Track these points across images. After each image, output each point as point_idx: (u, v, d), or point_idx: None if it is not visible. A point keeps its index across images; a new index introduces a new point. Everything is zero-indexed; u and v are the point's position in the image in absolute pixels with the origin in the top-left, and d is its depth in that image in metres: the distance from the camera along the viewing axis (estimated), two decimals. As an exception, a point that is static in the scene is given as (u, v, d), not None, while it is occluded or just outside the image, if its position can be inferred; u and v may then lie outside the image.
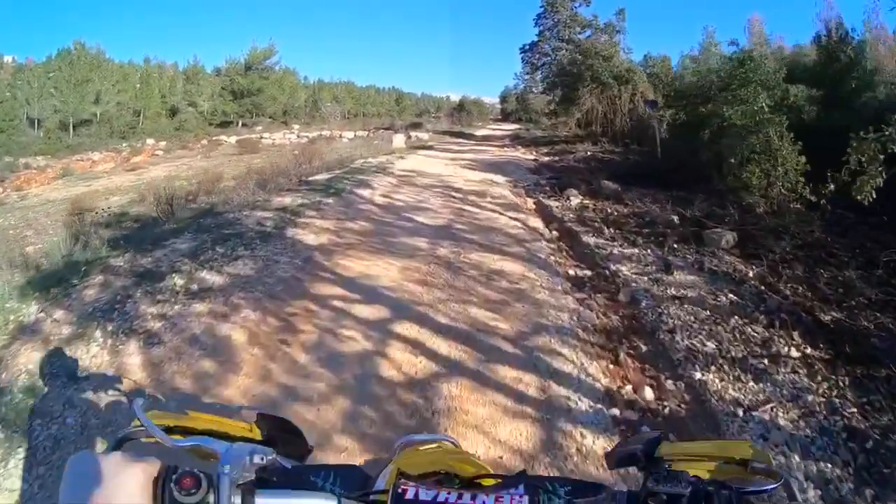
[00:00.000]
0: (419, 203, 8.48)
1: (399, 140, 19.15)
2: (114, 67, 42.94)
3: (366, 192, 9.04)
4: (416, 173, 11.86)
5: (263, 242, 5.85)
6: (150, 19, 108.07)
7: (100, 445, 2.51)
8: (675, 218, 7.64)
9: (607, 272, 5.78)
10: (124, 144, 37.39)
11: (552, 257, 6.11)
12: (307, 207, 7.53)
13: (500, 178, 11.84)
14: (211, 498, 0.56)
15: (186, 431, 0.74)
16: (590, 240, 6.92)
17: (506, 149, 20.53)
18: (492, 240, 6.46)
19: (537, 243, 6.63)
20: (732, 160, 9.36)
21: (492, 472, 0.86)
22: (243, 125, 44.06)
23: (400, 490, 0.61)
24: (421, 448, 1.11)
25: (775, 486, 0.69)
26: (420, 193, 9.38)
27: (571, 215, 8.30)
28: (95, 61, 41.10)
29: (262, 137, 35.76)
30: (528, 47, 28.74)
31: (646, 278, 5.54)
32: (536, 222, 7.89)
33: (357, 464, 1.27)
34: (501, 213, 8.06)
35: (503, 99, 59.22)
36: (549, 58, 27.49)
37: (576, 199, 9.36)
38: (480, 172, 12.72)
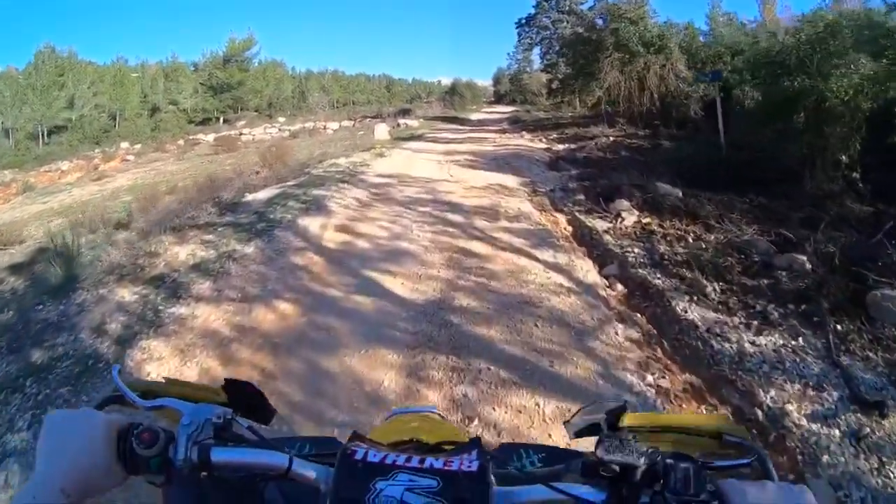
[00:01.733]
0: (396, 241, 5.30)
1: (382, 131, 15.80)
2: (88, 69, 39.59)
3: (314, 225, 5.84)
4: (397, 180, 8.67)
5: (62, 400, 2.74)
6: (129, 19, 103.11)
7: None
8: (805, 260, 4.55)
9: (759, 412, 2.78)
10: (97, 150, 34.21)
11: (648, 377, 3.00)
12: (202, 272, 4.33)
13: (511, 181, 8.63)
14: (170, 452, 0.57)
15: (159, 395, 0.70)
16: (690, 311, 3.83)
17: (507, 135, 17.22)
18: (528, 337, 3.27)
19: (608, 331, 3.49)
20: (844, 157, 6.34)
21: (461, 440, 0.84)
22: (225, 121, 40.67)
23: (349, 451, 0.58)
24: (401, 419, 1.11)
25: (748, 461, 0.64)
26: (399, 218, 6.20)
27: (637, 250, 5.14)
28: (68, 64, 37.80)
29: (241, 134, 32.41)
30: (524, 21, 25.18)
31: (837, 433, 2.58)
32: (586, 268, 4.73)
33: (334, 436, 1.00)
34: (529, 255, 4.88)
35: (496, 81, 55.50)
36: (548, 31, 23.88)
37: (630, 216, 6.20)
38: (484, 172, 9.51)
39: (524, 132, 17.38)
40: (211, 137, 32.74)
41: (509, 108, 35.12)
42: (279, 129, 31.42)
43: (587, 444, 0.69)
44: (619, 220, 6.19)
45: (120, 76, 40.92)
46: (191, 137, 34.31)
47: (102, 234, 7.02)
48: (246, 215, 6.22)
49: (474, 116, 29.43)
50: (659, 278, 4.48)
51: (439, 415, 1.25)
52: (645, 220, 6.13)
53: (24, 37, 74.53)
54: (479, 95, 48.91)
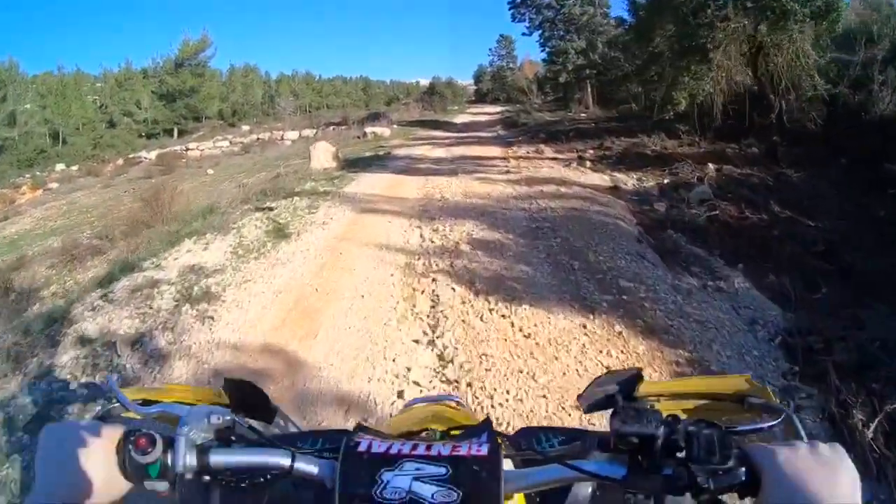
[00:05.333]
0: None
1: (322, 154, 8.90)
2: (36, 81, 32.11)
3: None
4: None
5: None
6: (91, 25, 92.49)
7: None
8: None
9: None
10: (27, 176, 26.91)
11: None
12: None
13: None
14: (169, 457, 0.50)
15: (158, 401, 0.65)
16: None
17: (516, 150, 10.56)
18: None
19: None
20: None
21: (472, 423, 0.74)
22: (182, 133, 33.45)
23: (352, 443, 0.52)
24: (418, 408, 0.98)
25: (774, 423, 0.54)
26: None
27: None
28: (8, 76, 30.14)
29: (187, 149, 25.38)
30: (518, 1, 18.30)
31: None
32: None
33: (345, 428, 0.72)
34: None
35: (477, 79, 48.64)
36: (551, 12, 17.00)
37: None
38: (534, 312, 3.01)
39: (541, 145, 10.76)
40: (154, 154, 25.71)
41: (497, 108, 28.42)
42: (230, 143, 24.42)
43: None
44: None
45: (62, 87, 33.21)
46: (132, 156, 27.18)
47: None
48: None
49: (459, 119, 22.67)
50: None
51: (456, 401, 1.03)
52: None
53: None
54: (460, 95, 41.97)
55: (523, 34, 17.69)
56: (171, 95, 32.29)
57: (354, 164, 9.26)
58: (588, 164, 7.94)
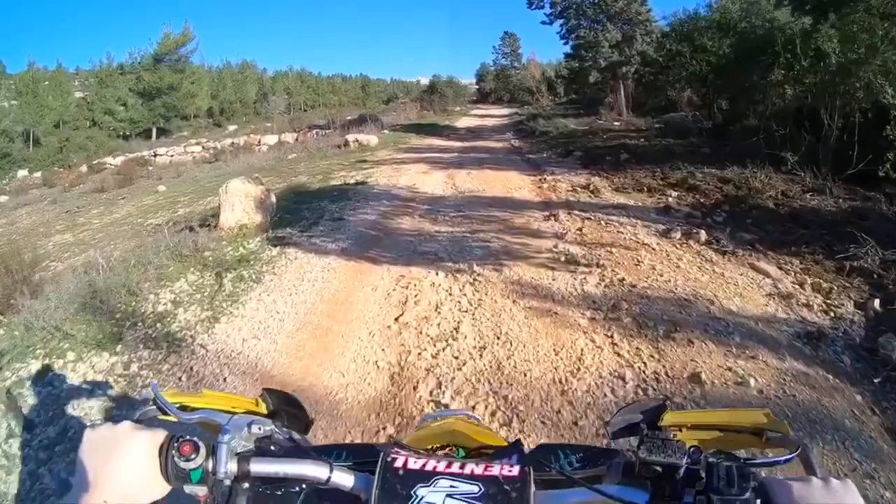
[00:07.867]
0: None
1: (238, 203, 5.07)
2: (5, 79, 28.20)
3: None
4: None
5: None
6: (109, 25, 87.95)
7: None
8: None
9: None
10: (-15, 182, 23.10)
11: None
12: None
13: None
14: (210, 464, 0.50)
15: (197, 408, 0.62)
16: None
17: (553, 182, 6.84)
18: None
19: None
20: None
21: (499, 443, 0.75)
22: (163, 132, 29.58)
23: (390, 458, 0.50)
24: (435, 423, 0.95)
25: (791, 457, 0.53)
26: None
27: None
28: None
29: (155, 155, 21.53)
30: (531, -18, 14.33)
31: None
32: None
33: (373, 443, 0.94)
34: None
35: (480, 78, 44.62)
36: None
37: None
38: None
39: (586, 173, 6.98)
40: (119, 160, 21.90)
41: (503, 111, 24.53)
42: (203, 148, 20.57)
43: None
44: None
45: (31, 85, 29.12)
46: (97, 162, 23.30)
47: None
48: None
49: (462, 123, 18.82)
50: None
51: (471, 417, 1.02)
52: None
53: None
54: (462, 94, 37.91)
55: (542, 23, 13.82)
56: (150, 93, 28.33)
57: (294, 217, 5.45)
58: (703, 235, 4.18)
